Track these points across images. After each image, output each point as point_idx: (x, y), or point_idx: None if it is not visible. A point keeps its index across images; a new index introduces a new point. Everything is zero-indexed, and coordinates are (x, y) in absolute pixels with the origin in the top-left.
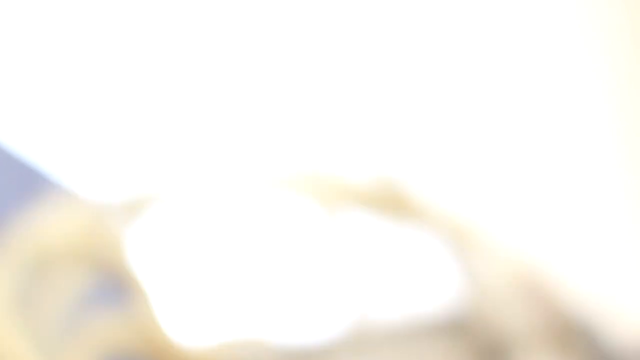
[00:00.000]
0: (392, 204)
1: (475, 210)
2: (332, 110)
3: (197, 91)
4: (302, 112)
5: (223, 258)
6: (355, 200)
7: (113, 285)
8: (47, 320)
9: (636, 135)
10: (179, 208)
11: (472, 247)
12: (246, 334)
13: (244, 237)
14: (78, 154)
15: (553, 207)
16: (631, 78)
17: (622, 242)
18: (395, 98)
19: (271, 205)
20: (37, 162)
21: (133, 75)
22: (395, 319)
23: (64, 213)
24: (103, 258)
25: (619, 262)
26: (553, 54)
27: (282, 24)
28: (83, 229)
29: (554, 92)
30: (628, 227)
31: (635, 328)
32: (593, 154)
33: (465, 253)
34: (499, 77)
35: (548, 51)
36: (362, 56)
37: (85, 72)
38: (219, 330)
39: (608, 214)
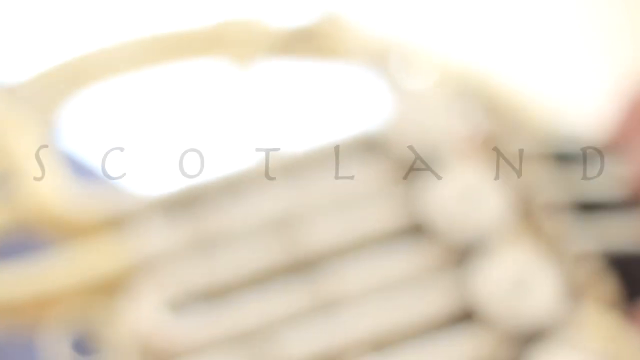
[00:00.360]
0: (316, 42)
1: (405, 27)
2: None
3: None
4: None
5: (144, 117)
6: (275, 44)
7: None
8: None
9: None
10: (96, 75)
11: (398, 63)
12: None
13: (160, 96)
14: None
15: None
16: None
17: (571, 40)
18: None
19: (184, 63)
20: None
21: None
22: (315, 145)
23: None
24: None
25: (567, 59)
26: None
27: None
28: None
29: None
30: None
31: (587, 127)
32: None
33: (391, 70)
34: None
35: None
36: None
37: None
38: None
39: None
